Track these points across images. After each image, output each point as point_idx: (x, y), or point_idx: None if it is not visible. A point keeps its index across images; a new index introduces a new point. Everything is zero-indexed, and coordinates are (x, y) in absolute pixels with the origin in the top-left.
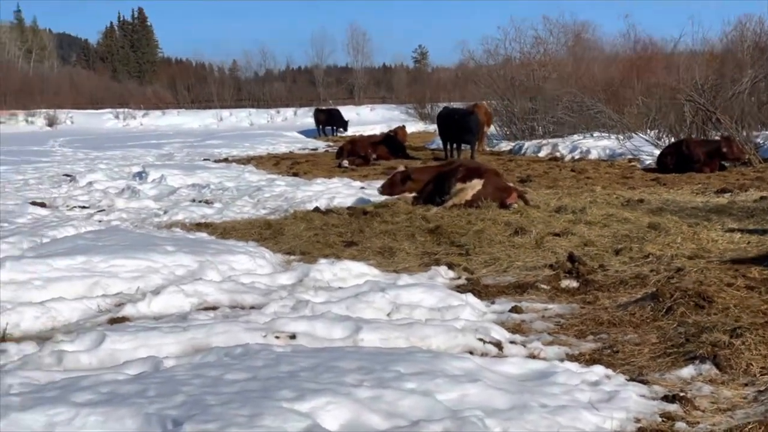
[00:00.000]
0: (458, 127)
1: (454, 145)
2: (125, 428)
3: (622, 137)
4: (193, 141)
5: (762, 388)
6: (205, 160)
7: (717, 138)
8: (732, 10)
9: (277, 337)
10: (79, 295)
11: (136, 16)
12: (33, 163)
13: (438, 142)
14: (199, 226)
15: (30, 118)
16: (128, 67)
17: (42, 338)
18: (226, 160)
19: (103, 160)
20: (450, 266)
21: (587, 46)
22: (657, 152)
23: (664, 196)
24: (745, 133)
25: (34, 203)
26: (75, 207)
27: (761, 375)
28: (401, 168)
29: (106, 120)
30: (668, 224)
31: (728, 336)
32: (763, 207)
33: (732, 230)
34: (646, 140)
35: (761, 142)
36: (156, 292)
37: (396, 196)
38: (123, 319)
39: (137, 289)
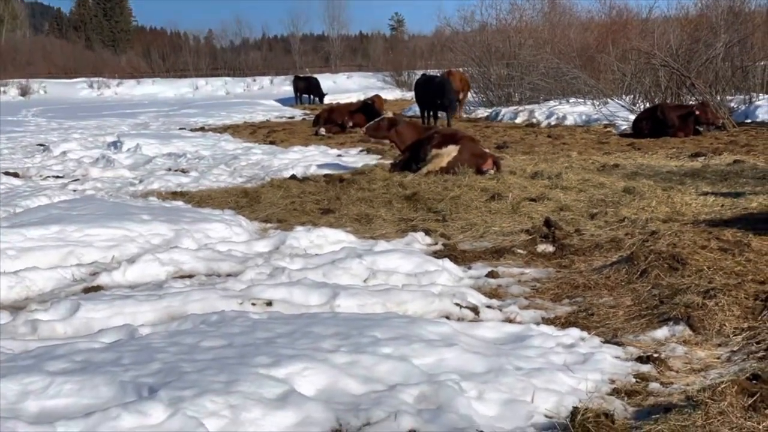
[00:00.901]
0: (435, 93)
1: (431, 112)
2: (100, 396)
3: (597, 103)
4: (168, 110)
5: (735, 348)
6: (180, 129)
7: (691, 103)
8: None
9: (253, 304)
10: (54, 265)
11: None
12: (6, 133)
13: (415, 109)
14: (174, 195)
15: (2, 88)
16: (102, 36)
17: (16, 308)
18: (202, 129)
19: (77, 130)
20: (427, 232)
21: (563, 12)
22: (632, 117)
23: (639, 160)
24: (719, 98)
25: (6, 173)
26: (49, 177)
27: (734, 335)
28: (390, 114)
29: (80, 89)
30: (643, 188)
31: (702, 297)
32: (736, 170)
33: (706, 193)
34: (622, 105)
35: (735, 106)
36: (131, 260)
37: (373, 162)
38: (98, 288)
39: (112, 258)
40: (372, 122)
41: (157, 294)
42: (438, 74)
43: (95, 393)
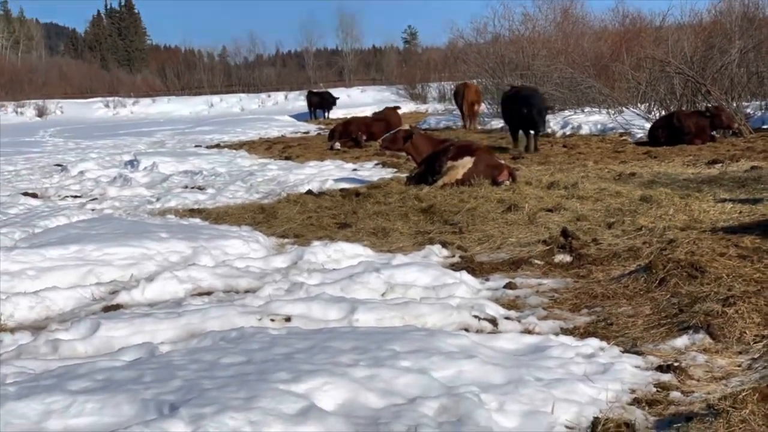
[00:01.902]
0: (525, 108)
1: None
2: (122, 414)
3: (613, 111)
4: (184, 128)
5: (756, 356)
6: (196, 146)
7: (707, 109)
8: None
9: (272, 320)
10: (73, 284)
11: (123, 3)
12: (24, 154)
13: (430, 122)
14: (192, 212)
15: (19, 109)
16: (117, 56)
17: (37, 328)
18: (217, 146)
19: (94, 149)
20: (444, 245)
21: (576, 22)
22: (648, 125)
23: (656, 168)
24: (735, 104)
25: (25, 194)
26: (67, 196)
27: (755, 343)
28: (406, 126)
29: (96, 109)
30: (660, 196)
31: (721, 305)
32: (754, 176)
33: (723, 200)
34: (637, 114)
35: (751, 112)
36: (150, 278)
37: (389, 176)
38: (117, 307)
39: (131, 277)
40: (388, 134)
41: (176, 312)
42: (527, 85)
43: (117, 411)
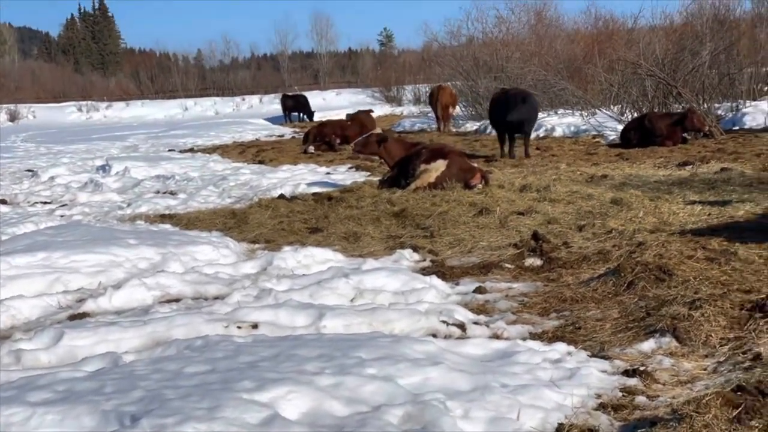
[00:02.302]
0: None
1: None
2: (82, 426)
3: (586, 113)
4: (157, 132)
5: (721, 359)
6: (169, 150)
7: (679, 111)
8: None
9: (239, 327)
10: (39, 292)
11: (97, 7)
12: None
13: (405, 125)
14: (162, 218)
15: None
16: (91, 59)
17: (2, 337)
18: (191, 150)
19: (66, 154)
20: (415, 249)
21: (549, 24)
22: (620, 127)
23: (627, 171)
24: (706, 106)
25: None
26: (36, 203)
27: (720, 346)
28: (379, 130)
29: (69, 113)
30: (630, 199)
31: (687, 308)
32: (724, 178)
33: (693, 202)
34: (610, 116)
35: (722, 114)
36: (117, 286)
37: (361, 179)
38: (83, 315)
39: (99, 284)
40: (360, 138)
41: (141, 320)
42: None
43: (77, 423)
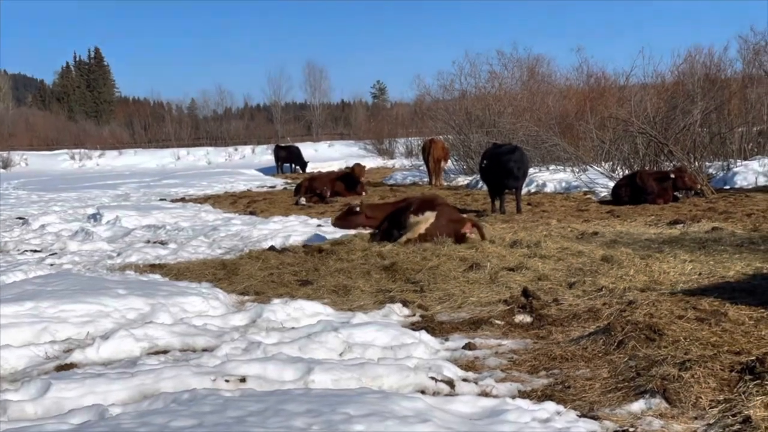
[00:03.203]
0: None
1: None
2: None
3: (577, 170)
4: (149, 181)
5: (711, 422)
6: (161, 200)
7: (670, 169)
8: (682, 41)
9: (227, 381)
10: (27, 342)
11: (92, 56)
12: None
13: (396, 178)
14: (152, 268)
15: None
16: (85, 107)
17: None
18: (182, 199)
19: (57, 202)
20: (405, 303)
21: (541, 80)
22: (612, 184)
23: (618, 228)
24: (697, 164)
25: None
26: (26, 251)
27: (710, 408)
28: (356, 203)
29: (61, 161)
30: (621, 257)
31: (678, 369)
32: (715, 238)
33: (684, 261)
34: (601, 173)
35: (713, 172)
36: (105, 337)
37: (353, 232)
38: (71, 366)
39: (87, 334)
40: (340, 214)
41: (129, 372)
42: (503, 143)
43: None
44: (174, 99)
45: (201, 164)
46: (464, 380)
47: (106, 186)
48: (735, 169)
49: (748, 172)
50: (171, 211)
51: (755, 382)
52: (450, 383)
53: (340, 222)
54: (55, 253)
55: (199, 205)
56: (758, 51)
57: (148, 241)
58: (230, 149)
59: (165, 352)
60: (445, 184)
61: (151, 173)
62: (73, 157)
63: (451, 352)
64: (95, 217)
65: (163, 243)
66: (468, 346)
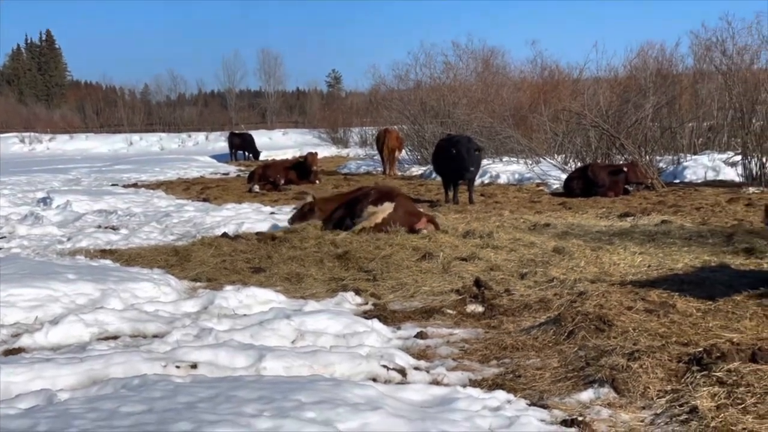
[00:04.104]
0: (460, 159)
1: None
2: None
3: (530, 162)
4: (101, 166)
5: (658, 411)
6: (113, 185)
7: (621, 163)
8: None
9: (177, 367)
10: None
11: (44, 38)
12: None
13: (350, 167)
14: (103, 253)
15: None
16: (36, 91)
17: None
18: (135, 185)
19: (6, 186)
20: (357, 292)
21: (496, 72)
22: (564, 176)
23: (570, 220)
24: (648, 158)
25: None
26: None
27: (658, 398)
28: (309, 199)
29: (10, 144)
30: (572, 248)
31: (626, 359)
32: (664, 230)
33: (633, 253)
34: (554, 165)
35: (664, 166)
36: (54, 321)
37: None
38: (19, 350)
39: (35, 319)
40: (294, 212)
41: (78, 357)
42: (456, 134)
43: None
44: (127, 84)
45: (154, 150)
46: (416, 369)
47: (56, 170)
48: (685, 164)
49: (698, 167)
50: (123, 196)
51: (702, 373)
52: (402, 371)
53: (297, 220)
54: (4, 237)
55: (151, 191)
56: (709, 47)
57: (99, 227)
58: (184, 135)
59: (115, 337)
60: (399, 173)
61: (103, 158)
62: (22, 141)
63: (403, 340)
64: (45, 201)
65: (114, 228)
66: (420, 335)
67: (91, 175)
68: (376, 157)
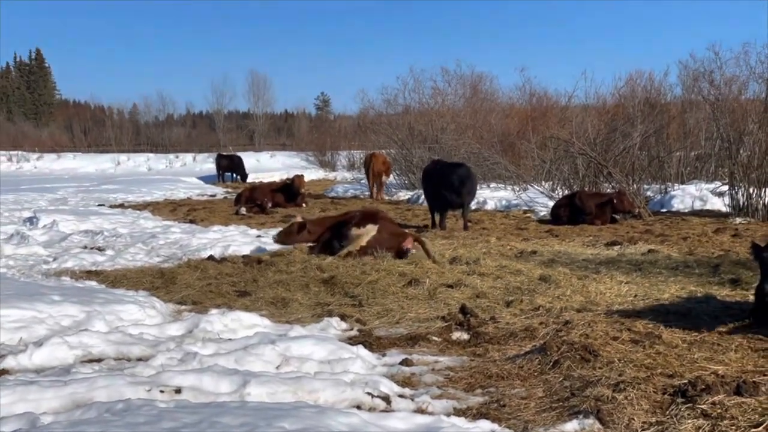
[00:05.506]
0: (453, 186)
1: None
2: None
3: (517, 188)
4: (88, 185)
5: None
6: (99, 205)
7: (609, 191)
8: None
9: (161, 392)
10: None
11: (33, 57)
12: None
13: (338, 190)
14: (89, 274)
15: None
16: (24, 109)
17: None
18: (121, 205)
19: None
20: (343, 317)
21: (485, 98)
22: (551, 204)
23: (556, 247)
24: (635, 187)
25: None
26: None
27: (642, 430)
28: (299, 219)
29: None
30: (558, 276)
31: (611, 390)
32: (651, 260)
33: (620, 283)
34: (541, 192)
35: (651, 195)
36: (38, 343)
37: (291, 246)
38: (2, 372)
39: (20, 340)
40: (282, 230)
41: (62, 380)
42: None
43: None
44: (115, 103)
45: (141, 170)
46: (400, 396)
47: (43, 189)
48: (672, 193)
49: (685, 196)
50: (109, 216)
51: (687, 405)
52: (386, 399)
53: (283, 238)
54: None
55: (138, 211)
56: (697, 77)
57: (85, 247)
58: (171, 156)
59: (99, 360)
60: (387, 198)
61: (90, 178)
62: (10, 159)
63: (388, 367)
64: (31, 221)
65: (100, 249)
66: (405, 362)
67: (78, 194)
68: (363, 181)
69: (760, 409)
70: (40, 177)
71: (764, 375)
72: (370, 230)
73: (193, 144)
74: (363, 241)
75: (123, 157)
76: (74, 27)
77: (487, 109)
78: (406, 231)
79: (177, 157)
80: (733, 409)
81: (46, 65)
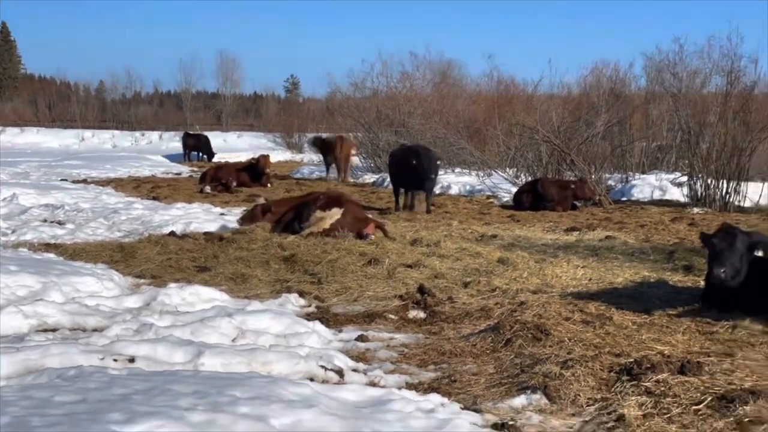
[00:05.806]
0: (417, 168)
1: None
2: None
3: (482, 174)
4: (51, 160)
5: (587, 419)
6: (62, 180)
7: (571, 178)
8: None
9: (115, 360)
10: None
11: None
12: None
13: (303, 172)
14: (47, 247)
15: None
16: None
17: None
18: (84, 181)
19: None
20: (301, 294)
21: (453, 84)
22: (514, 190)
23: (517, 232)
24: (597, 175)
25: None
26: None
27: (587, 405)
28: (261, 201)
29: None
30: (517, 259)
31: (560, 367)
32: (607, 246)
33: (576, 267)
34: (505, 178)
35: (612, 184)
36: None
37: (254, 224)
38: None
39: None
40: (245, 213)
41: (15, 347)
42: (411, 144)
43: None
44: (81, 79)
45: (106, 147)
46: (354, 370)
47: (5, 163)
48: (633, 182)
49: (645, 186)
50: (71, 191)
51: (632, 383)
52: (339, 372)
53: (248, 221)
54: None
55: (101, 187)
56: (661, 69)
57: (45, 221)
58: (137, 134)
59: (54, 330)
60: (352, 180)
61: (53, 153)
62: None
63: (343, 343)
64: None
65: (60, 223)
66: (360, 338)
67: (40, 169)
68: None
69: (702, 387)
70: (1, 151)
71: (708, 356)
72: (335, 213)
73: (160, 122)
74: (326, 224)
75: (88, 133)
76: (42, 1)
77: (455, 94)
78: (370, 217)
79: (143, 135)
80: (676, 387)
81: (12, 39)
